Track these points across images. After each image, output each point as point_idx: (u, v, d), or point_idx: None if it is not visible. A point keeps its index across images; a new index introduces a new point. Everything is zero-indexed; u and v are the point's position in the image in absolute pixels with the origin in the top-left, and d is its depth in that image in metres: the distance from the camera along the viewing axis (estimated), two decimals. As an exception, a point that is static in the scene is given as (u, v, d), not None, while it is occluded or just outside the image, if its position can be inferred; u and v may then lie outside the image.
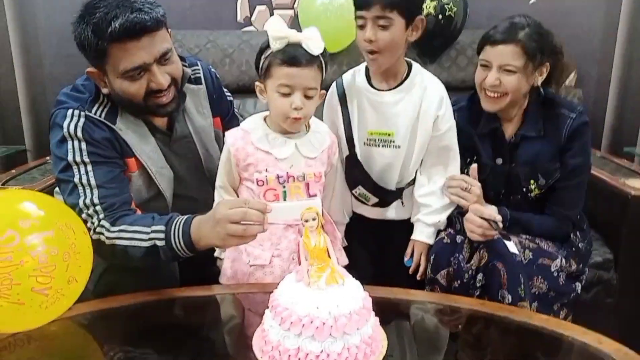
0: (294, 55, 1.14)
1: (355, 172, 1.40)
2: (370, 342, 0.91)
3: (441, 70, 2.16)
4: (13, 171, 1.83)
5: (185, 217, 1.15)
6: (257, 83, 1.24)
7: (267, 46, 1.19)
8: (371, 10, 1.23)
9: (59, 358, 1.03)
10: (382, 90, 1.35)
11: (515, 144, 1.40)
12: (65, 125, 1.21)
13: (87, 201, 1.18)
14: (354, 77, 1.39)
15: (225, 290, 1.24)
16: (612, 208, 1.68)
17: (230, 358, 0.99)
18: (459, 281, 1.32)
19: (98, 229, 1.17)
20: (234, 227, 1.05)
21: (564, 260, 1.37)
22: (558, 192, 1.39)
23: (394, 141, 1.36)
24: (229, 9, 2.29)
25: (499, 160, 1.41)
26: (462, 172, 1.41)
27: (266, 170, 1.19)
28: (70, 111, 1.23)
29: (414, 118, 1.34)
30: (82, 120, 1.22)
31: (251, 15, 2.31)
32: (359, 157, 1.39)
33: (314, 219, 0.97)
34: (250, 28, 2.31)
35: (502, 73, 1.30)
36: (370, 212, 1.46)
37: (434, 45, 2.09)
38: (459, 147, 1.41)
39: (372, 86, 1.37)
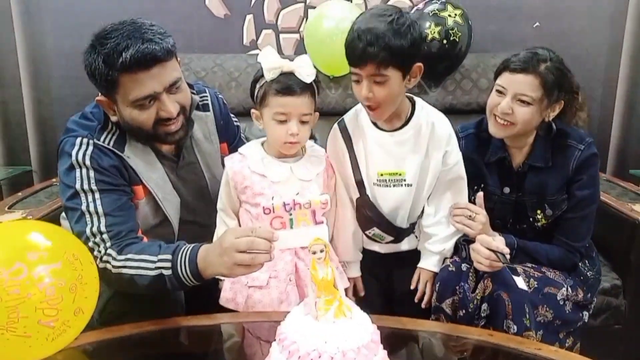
0: (288, 85, 1.18)
1: (368, 214, 1.37)
2: (379, 376, 0.90)
3: (445, 94, 2.17)
4: (19, 194, 1.83)
5: (192, 246, 1.15)
6: (253, 110, 1.28)
7: (262, 75, 1.22)
8: (366, 69, 1.19)
9: (64, 389, 1.02)
10: (389, 131, 1.32)
11: (523, 174, 1.40)
12: (73, 153, 1.22)
13: (94, 229, 1.18)
14: (357, 117, 1.35)
15: (230, 319, 1.23)
16: (619, 234, 1.67)
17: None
18: (463, 310, 1.31)
19: (105, 258, 1.16)
20: (240, 256, 1.05)
21: (570, 289, 1.36)
22: (566, 223, 1.39)
23: (405, 180, 1.34)
24: (235, 32, 2.32)
25: (506, 189, 1.41)
26: (469, 199, 1.40)
27: (272, 198, 1.16)
28: (79, 139, 1.23)
29: (423, 155, 1.33)
30: (91, 148, 1.22)
31: (257, 38, 2.33)
32: (370, 199, 1.36)
33: (321, 251, 0.96)
34: (257, 51, 2.33)
35: (516, 103, 1.29)
36: (383, 247, 1.45)
37: (438, 70, 2.10)
38: (467, 175, 1.40)
39: (377, 127, 1.33)
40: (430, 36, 1.99)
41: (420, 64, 1.24)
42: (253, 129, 2.11)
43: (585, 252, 1.46)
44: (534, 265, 1.38)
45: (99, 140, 1.24)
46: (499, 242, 1.25)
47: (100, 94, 1.25)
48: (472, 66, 2.17)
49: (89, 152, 1.22)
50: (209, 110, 1.43)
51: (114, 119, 1.25)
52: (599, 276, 1.50)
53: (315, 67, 2.07)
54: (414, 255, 1.45)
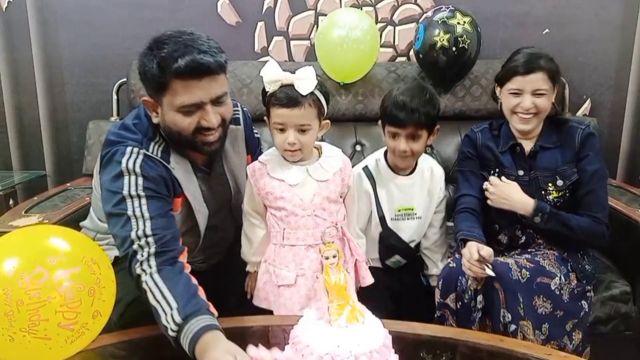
0: (284, 97, 1.25)
1: (392, 243, 1.61)
2: (390, 380, 0.91)
3: (455, 100, 2.18)
4: (35, 198, 1.86)
5: (199, 327, 1.05)
6: (265, 118, 1.36)
7: None
8: (406, 129, 1.48)
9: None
10: (402, 175, 1.61)
11: (534, 154, 1.56)
12: (124, 161, 1.23)
13: (140, 232, 1.17)
14: (377, 164, 1.63)
15: (245, 323, 1.25)
16: (629, 240, 1.67)
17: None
18: (460, 303, 1.38)
19: (144, 266, 1.14)
20: None
21: (563, 277, 1.43)
22: (585, 197, 1.52)
23: (416, 214, 1.61)
24: (247, 39, 2.35)
25: (520, 172, 1.56)
26: (483, 183, 1.59)
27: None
28: (129, 148, 1.25)
29: (426, 193, 1.62)
30: (141, 157, 1.24)
31: (268, 45, 2.36)
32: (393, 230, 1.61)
33: (334, 257, 0.98)
34: (268, 58, 2.36)
35: (535, 97, 1.49)
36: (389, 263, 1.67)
37: (447, 76, 2.12)
38: (484, 160, 1.62)
39: (394, 172, 1.61)
40: (439, 44, 2.01)
41: (439, 126, 1.58)
42: (265, 135, 2.13)
43: (582, 247, 1.58)
44: (526, 256, 1.46)
45: (148, 150, 1.26)
46: (485, 252, 1.33)
47: (148, 95, 1.28)
48: (482, 72, 2.18)
49: (139, 160, 1.24)
50: (239, 124, 1.47)
51: (155, 120, 1.28)
52: (595, 273, 1.59)
53: (325, 74, 2.12)
54: (416, 262, 1.68)
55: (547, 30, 2.35)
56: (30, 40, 2.35)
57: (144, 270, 1.14)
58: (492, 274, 1.32)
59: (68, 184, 2.05)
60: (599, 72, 2.38)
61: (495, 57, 2.28)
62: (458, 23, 2.01)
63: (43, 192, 2.34)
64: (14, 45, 2.38)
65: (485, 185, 1.55)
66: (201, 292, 1.15)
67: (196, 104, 1.21)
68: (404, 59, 2.38)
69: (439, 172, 1.65)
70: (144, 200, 1.20)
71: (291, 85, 1.25)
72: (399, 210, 1.60)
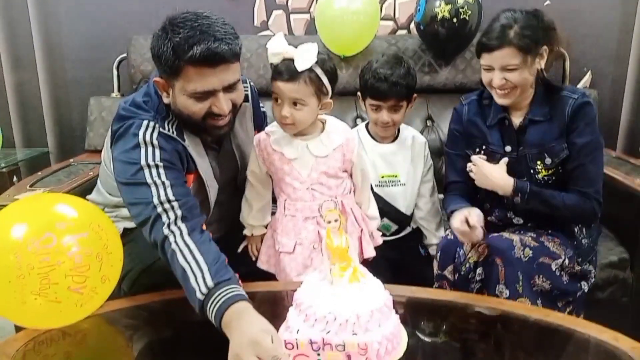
0: (280, 71, 1.26)
1: (379, 206, 1.56)
2: (392, 338, 0.94)
3: (456, 73, 2.18)
4: (39, 173, 1.87)
5: (230, 295, 1.05)
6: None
7: None
8: (387, 101, 1.52)
9: (92, 352, 1.07)
10: (385, 143, 1.65)
11: (523, 129, 1.46)
12: (140, 133, 1.23)
13: (162, 197, 1.16)
14: (359, 135, 1.64)
15: (249, 289, 1.27)
16: (627, 209, 1.68)
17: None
18: (457, 274, 1.39)
19: (173, 227, 1.14)
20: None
21: (568, 260, 1.39)
22: (573, 172, 1.42)
23: (400, 180, 1.65)
24: (246, 13, 2.34)
25: (508, 148, 1.48)
26: (471, 156, 1.51)
27: (297, 332, 0.95)
28: (145, 122, 1.25)
29: (409, 161, 1.65)
30: (157, 131, 1.24)
31: (268, 19, 2.35)
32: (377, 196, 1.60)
33: (336, 220, 1.00)
34: (268, 32, 2.35)
35: (505, 72, 1.37)
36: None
37: (448, 48, 2.11)
38: (470, 138, 1.53)
39: (375, 140, 1.65)
40: (440, 15, 2.00)
41: (416, 95, 1.59)
42: (266, 110, 2.14)
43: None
44: (532, 235, 1.41)
45: (163, 128, 1.26)
46: (474, 218, 1.31)
47: (159, 75, 1.26)
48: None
49: (155, 133, 1.24)
50: (248, 101, 1.46)
51: (166, 100, 1.28)
52: (595, 245, 1.52)
53: (326, 47, 2.12)
54: (414, 234, 1.71)
55: (548, 1, 2.33)
56: (29, 16, 2.35)
57: (172, 232, 1.13)
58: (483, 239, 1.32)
59: (71, 160, 2.07)
60: (600, 44, 2.36)
61: (496, 29, 2.28)
62: (459, -6, 2.00)
63: (46, 168, 2.37)
64: (13, 21, 2.37)
65: (469, 166, 1.47)
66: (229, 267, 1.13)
67: (209, 91, 1.20)
68: (404, 31, 2.37)
69: (421, 141, 1.68)
70: (162, 170, 1.20)
71: (291, 60, 1.25)
72: (383, 177, 1.65)
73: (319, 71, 1.26)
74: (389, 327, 0.94)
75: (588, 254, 1.47)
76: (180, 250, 1.11)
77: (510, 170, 1.45)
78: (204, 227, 1.21)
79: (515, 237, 1.36)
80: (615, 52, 2.38)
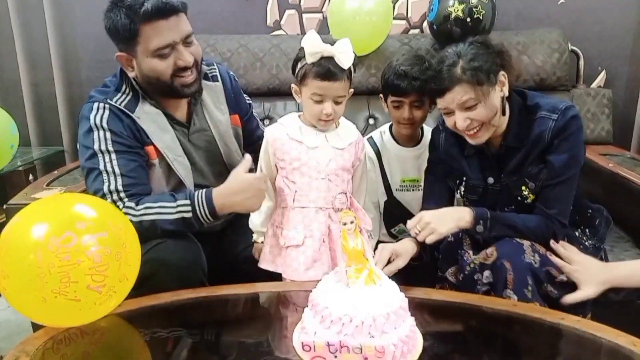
0: (326, 70, 1.26)
1: (395, 212, 1.62)
2: (408, 340, 0.94)
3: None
4: (55, 172, 1.90)
5: (204, 190, 1.30)
6: (293, 85, 1.37)
7: (304, 55, 1.28)
8: (409, 97, 1.50)
9: (109, 351, 1.09)
10: (408, 147, 1.64)
11: (502, 156, 1.38)
12: (91, 116, 1.33)
13: (112, 187, 1.29)
14: (382, 137, 1.66)
15: (265, 289, 1.29)
16: (641, 210, 1.67)
17: (271, 353, 1.03)
18: (462, 275, 1.36)
19: (124, 210, 1.27)
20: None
21: None
22: (543, 192, 1.35)
23: (421, 185, 1.62)
24: (259, 13, 2.34)
25: (490, 180, 1.40)
26: (453, 192, 1.50)
27: (315, 334, 0.95)
28: (96, 104, 1.35)
29: None
30: (107, 112, 1.34)
31: (281, 19, 2.35)
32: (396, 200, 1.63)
33: (352, 222, 1.01)
34: (280, 32, 2.36)
35: (466, 111, 1.27)
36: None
37: (462, 47, 2.10)
38: (449, 169, 1.47)
39: (398, 144, 1.64)
40: (453, 14, 1.99)
41: None
42: (277, 109, 2.16)
43: (579, 220, 1.44)
44: None
45: (112, 101, 1.35)
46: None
47: (119, 50, 1.34)
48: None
49: (105, 115, 1.33)
50: (217, 81, 1.53)
51: (131, 74, 1.36)
52: (601, 245, 1.45)
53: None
54: None
55: (562, 0, 2.32)
56: (45, 16, 2.37)
57: (126, 214, 1.24)
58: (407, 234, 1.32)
59: None
60: (614, 43, 2.34)
61: (510, 27, 2.27)
62: (472, -7, 1.99)
63: (60, 166, 2.39)
64: (29, 22, 2.40)
65: (412, 232, 1.32)
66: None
67: (169, 44, 1.30)
68: (417, 31, 2.37)
69: None
70: (114, 156, 1.31)
71: (331, 58, 1.26)
72: (404, 181, 1.64)
73: (351, 65, 1.30)
74: (405, 330, 0.94)
75: (595, 256, 1.39)
76: (145, 212, 1.27)
77: (496, 199, 1.40)
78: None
79: (526, 242, 1.31)
80: (630, 51, 2.35)
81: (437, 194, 1.48)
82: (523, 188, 1.36)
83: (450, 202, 1.51)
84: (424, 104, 1.53)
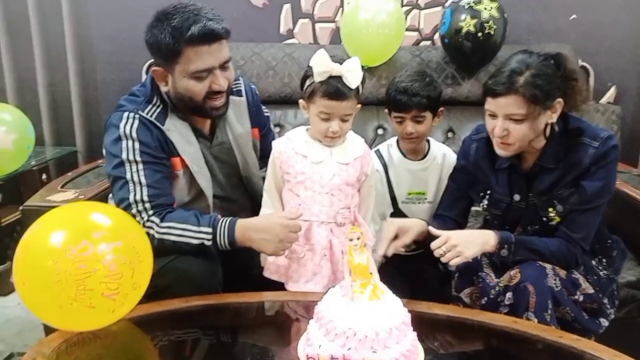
0: (334, 90, 1.29)
1: None
2: (409, 355, 0.97)
3: (479, 86, 2.18)
4: (69, 174, 1.93)
5: (228, 220, 1.32)
6: (301, 100, 1.39)
7: (312, 73, 1.30)
8: (409, 112, 1.52)
9: (120, 354, 1.13)
10: (414, 160, 1.64)
11: (534, 175, 1.37)
12: (121, 125, 1.36)
13: (137, 197, 1.32)
14: (389, 151, 1.67)
15: (271, 298, 1.32)
16: (647, 229, 1.69)
17: (275, 362, 1.07)
18: (486, 298, 1.35)
19: (148, 224, 1.31)
20: (292, 235, 1.30)
21: (589, 294, 1.35)
22: (569, 215, 1.34)
23: (427, 198, 1.65)
24: (272, 21, 2.38)
25: (517, 197, 1.39)
26: (476, 204, 1.53)
27: (319, 347, 0.97)
28: (126, 114, 1.37)
29: (438, 178, 1.63)
30: (137, 122, 1.36)
31: (294, 27, 2.39)
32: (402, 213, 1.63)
33: (358, 238, 1.03)
34: (293, 40, 2.39)
35: (509, 122, 1.26)
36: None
37: (472, 62, 2.13)
38: (475, 180, 1.48)
39: (405, 157, 1.65)
40: (465, 29, 2.02)
41: (442, 108, 1.59)
42: (288, 117, 2.19)
43: (598, 250, 1.43)
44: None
45: (143, 112, 1.37)
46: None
47: (157, 65, 1.38)
48: (507, 58, 2.17)
49: (135, 125, 1.36)
50: (242, 96, 1.56)
51: (164, 89, 1.39)
52: (615, 276, 1.44)
53: (350, 57, 2.15)
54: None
55: (574, 15, 2.33)
56: (63, 18, 2.42)
57: (149, 227, 1.30)
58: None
59: (99, 161, 2.10)
60: (625, 58, 2.35)
61: (521, 42, 2.28)
62: (485, 8, 2.02)
63: (73, 166, 2.44)
64: (47, 22, 2.45)
65: (436, 250, 1.31)
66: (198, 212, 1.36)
67: (208, 69, 1.33)
68: (428, 42, 2.39)
69: (452, 159, 1.65)
70: (141, 166, 1.34)
71: (339, 77, 1.28)
72: (410, 194, 1.66)
73: (359, 83, 1.32)
74: (407, 344, 0.97)
75: (606, 287, 1.40)
76: (168, 232, 1.30)
77: (520, 217, 1.39)
78: None
79: (548, 266, 1.32)
80: (639, 66, 2.36)
81: (453, 203, 1.51)
82: (550, 209, 1.35)
83: (465, 214, 1.54)
84: (426, 119, 1.55)
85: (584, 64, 2.28)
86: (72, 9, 2.41)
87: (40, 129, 2.52)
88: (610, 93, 2.39)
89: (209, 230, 1.30)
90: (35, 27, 2.45)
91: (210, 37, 1.29)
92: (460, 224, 1.52)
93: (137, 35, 2.35)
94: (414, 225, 1.41)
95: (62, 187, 1.79)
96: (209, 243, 1.30)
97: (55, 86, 2.53)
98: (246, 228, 1.31)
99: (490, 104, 1.29)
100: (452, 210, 1.51)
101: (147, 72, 2.35)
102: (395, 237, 1.39)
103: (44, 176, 2.44)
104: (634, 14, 2.31)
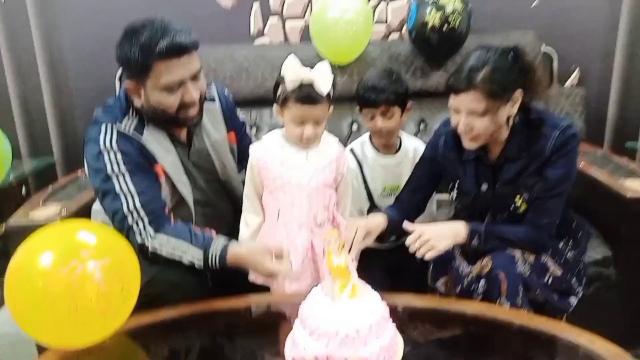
0: (306, 96, 1.33)
1: None
2: (389, 347, 1.04)
3: (447, 76, 2.24)
4: (49, 188, 1.93)
5: (220, 247, 1.35)
6: (274, 106, 1.43)
7: (284, 80, 1.34)
8: (378, 108, 1.59)
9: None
10: (388, 155, 1.72)
11: (499, 165, 1.43)
12: (101, 139, 1.38)
13: (131, 207, 1.35)
14: (362, 147, 1.74)
15: (257, 300, 1.37)
16: (610, 208, 1.76)
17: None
18: (459, 286, 1.43)
19: (143, 234, 1.35)
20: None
21: (558, 276, 1.43)
22: (535, 202, 1.40)
23: None
24: (242, 22, 2.40)
25: (484, 187, 1.46)
26: (433, 191, 1.64)
27: (304, 349, 1.03)
28: (103, 126, 1.39)
29: (410, 171, 1.66)
30: (115, 134, 1.39)
31: (264, 27, 2.41)
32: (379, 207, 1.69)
33: (336, 241, 1.09)
34: (264, 39, 2.41)
35: (471, 117, 1.32)
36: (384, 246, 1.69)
37: (439, 53, 2.18)
38: (443, 172, 1.55)
39: (379, 152, 1.72)
40: (430, 23, 2.07)
41: (412, 102, 1.66)
42: (264, 117, 2.23)
43: (564, 232, 1.50)
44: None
45: (120, 124, 1.40)
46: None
47: (128, 80, 1.40)
48: (473, 48, 2.19)
49: (114, 137, 1.38)
50: (215, 101, 1.60)
51: (137, 103, 1.41)
52: (581, 257, 1.52)
53: (320, 55, 2.19)
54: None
55: (536, 2, 2.40)
56: (30, 25, 2.40)
57: (144, 238, 1.34)
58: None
59: (79, 172, 2.10)
60: (587, 41, 2.43)
61: (487, 30, 2.33)
62: (449, 2, 2.06)
63: (52, 177, 2.44)
64: (14, 31, 2.42)
65: (410, 245, 1.37)
66: (195, 227, 1.40)
67: (179, 81, 1.35)
68: (396, 35, 2.44)
69: (422, 150, 1.69)
70: (127, 176, 1.36)
71: (310, 84, 1.33)
72: (385, 189, 1.73)
73: (331, 87, 1.36)
74: (387, 338, 1.03)
75: (573, 267, 1.48)
76: (161, 247, 1.34)
77: (489, 206, 1.46)
78: (172, 218, 1.41)
79: (518, 253, 1.40)
80: (601, 50, 2.45)
81: (416, 189, 1.59)
82: (517, 198, 1.41)
83: (424, 201, 1.62)
84: (394, 114, 1.62)
85: (548, 49, 2.35)
86: (40, 17, 2.39)
87: (15, 141, 2.51)
88: (574, 76, 2.47)
89: (201, 252, 1.34)
90: (2, 38, 2.42)
91: (179, 50, 1.32)
92: (420, 210, 1.61)
93: (108, 43, 2.32)
94: (378, 225, 1.47)
95: (43, 202, 1.79)
96: (199, 264, 1.34)
97: (27, 97, 2.51)
98: (237, 257, 1.35)
99: (453, 100, 1.35)
100: (414, 196, 1.59)
101: (120, 80, 2.36)
102: None
103: (23, 189, 2.44)
104: (594, 0, 2.37)
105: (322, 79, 1.33)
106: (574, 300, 1.47)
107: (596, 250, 1.74)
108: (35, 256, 1.05)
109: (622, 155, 2.09)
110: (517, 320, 1.21)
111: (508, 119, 1.37)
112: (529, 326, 1.19)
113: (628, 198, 1.66)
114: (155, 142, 1.43)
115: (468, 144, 1.39)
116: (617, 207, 1.72)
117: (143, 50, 1.30)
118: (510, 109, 1.35)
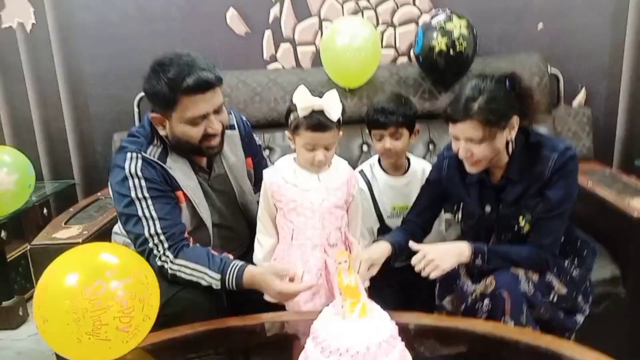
0: (316, 123, 1.39)
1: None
2: (398, 365, 1.07)
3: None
4: (71, 209, 2.01)
5: (237, 267, 1.40)
6: (287, 133, 1.51)
7: (295, 108, 1.41)
8: (387, 129, 1.64)
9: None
10: (396, 176, 1.76)
11: (502, 187, 1.47)
12: (126, 166, 1.45)
13: (152, 231, 1.41)
14: (372, 169, 1.79)
15: (271, 319, 1.42)
16: (618, 228, 1.78)
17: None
18: (464, 304, 1.46)
19: (163, 258, 1.41)
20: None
21: (564, 294, 1.45)
22: (537, 223, 1.44)
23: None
24: (255, 48, 2.49)
25: (488, 208, 1.50)
26: (439, 213, 1.68)
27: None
28: (129, 154, 1.47)
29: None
30: (140, 161, 1.46)
31: (276, 52, 2.50)
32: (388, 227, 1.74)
33: (346, 261, 1.14)
34: (277, 64, 2.50)
35: (470, 144, 1.36)
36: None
37: (447, 76, 2.23)
38: (448, 195, 1.59)
39: (387, 174, 1.77)
40: (437, 47, 2.13)
41: (419, 127, 1.70)
42: (277, 140, 2.29)
43: (569, 250, 1.52)
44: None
45: (145, 153, 1.47)
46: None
47: (154, 111, 1.47)
48: (479, 69, 2.28)
49: (139, 164, 1.45)
50: (234, 129, 1.67)
51: (162, 133, 1.49)
52: (587, 275, 1.53)
53: (331, 80, 2.26)
54: None
55: (541, 25, 2.45)
56: (53, 56, 2.52)
57: (164, 262, 1.41)
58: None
59: (99, 194, 2.18)
60: (593, 61, 2.46)
61: (492, 53, 2.40)
62: (455, 27, 2.13)
63: (72, 198, 2.53)
64: (38, 62, 2.55)
65: (416, 265, 1.42)
66: (212, 250, 1.45)
67: (203, 115, 1.42)
68: (404, 58, 2.51)
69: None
70: (150, 202, 1.43)
71: (320, 111, 1.39)
72: (394, 209, 1.76)
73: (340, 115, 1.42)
74: (396, 355, 1.07)
75: (579, 285, 1.50)
76: (180, 270, 1.40)
77: (493, 227, 1.50)
78: (190, 240, 1.47)
79: (521, 272, 1.43)
80: (607, 70, 2.48)
81: (422, 211, 1.62)
82: (520, 218, 1.45)
83: (431, 222, 1.66)
84: (403, 135, 1.67)
85: (554, 70, 2.40)
86: (62, 49, 2.52)
87: (38, 165, 2.61)
88: (581, 96, 2.50)
89: (219, 276, 1.39)
90: (27, 68, 2.55)
91: (205, 86, 1.39)
92: (426, 231, 1.65)
93: (125, 69, 2.50)
94: (382, 253, 1.49)
95: (65, 223, 1.87)
96: (216, 286, 1.39)
97: (50, 122, 2.63)
98: (253, 279, 1.40)
99: (452, 129, 1.40)
100: (419, 217, 1.62)
101: (138, 106, 2.45)
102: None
103: (45, 210, 2.52)
104: (599, 19, 2.42)
105: (332, 106, 1.40)
106: (580, 318, 1.49)
107: (605, 269, 1.76)
108: (62, 276, 1.11)
109: (630, 174, 2.12)
110: (523, 338, 1.24)
111: (507, 143, 1.41)
112: (535, 344, 1.21)
113: (636, 218, 1.69)
114: (178, 169, 1.51)
115: (470, 169, 1.45)
116: (625, 227, 1.74)
117: (170, 86, 1.37)
118: (508, 135, 1.38)
